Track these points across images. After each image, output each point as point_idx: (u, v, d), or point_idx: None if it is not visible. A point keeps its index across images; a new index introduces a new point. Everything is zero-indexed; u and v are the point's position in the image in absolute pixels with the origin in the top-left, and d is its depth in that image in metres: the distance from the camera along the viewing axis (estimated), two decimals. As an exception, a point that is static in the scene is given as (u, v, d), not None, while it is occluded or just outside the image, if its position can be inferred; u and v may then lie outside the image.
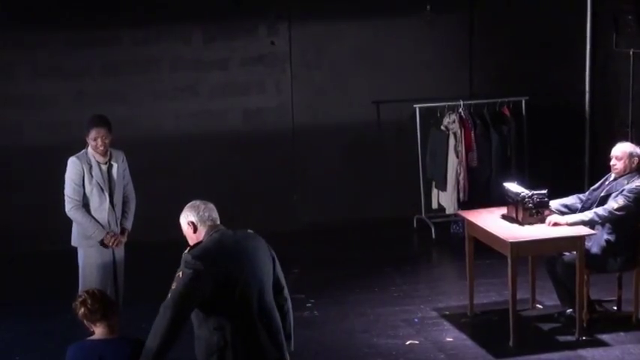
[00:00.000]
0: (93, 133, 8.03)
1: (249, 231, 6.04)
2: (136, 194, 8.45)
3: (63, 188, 8.14)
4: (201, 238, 5.88)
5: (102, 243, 8.16)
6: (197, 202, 5.99)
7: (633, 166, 8.73)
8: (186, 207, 6.00)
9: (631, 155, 8.74)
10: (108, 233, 8.14)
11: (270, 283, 5.99)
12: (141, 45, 11.56)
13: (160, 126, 11.67)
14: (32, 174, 11.18)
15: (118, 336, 5.90)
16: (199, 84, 11.77)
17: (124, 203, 8.33)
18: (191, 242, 5.93)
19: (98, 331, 5.86)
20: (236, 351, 5.79)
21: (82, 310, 5.80)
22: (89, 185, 8.08)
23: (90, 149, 8.10)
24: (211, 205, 5.99)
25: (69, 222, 8.26)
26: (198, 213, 5.92)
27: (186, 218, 5.95)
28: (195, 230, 5.92)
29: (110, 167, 8.17)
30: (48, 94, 11.36)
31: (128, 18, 11.44)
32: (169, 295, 5.66)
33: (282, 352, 5.99)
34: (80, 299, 5.82)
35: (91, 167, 8.07)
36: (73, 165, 8.09)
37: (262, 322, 5.87)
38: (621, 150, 8.77)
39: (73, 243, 8.27)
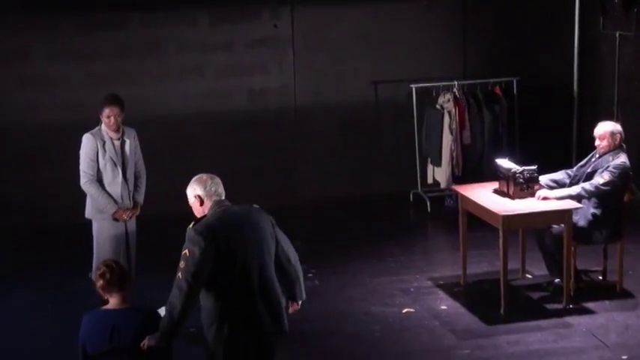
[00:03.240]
0: (107, 111, 8.10)
1: (254, 206, 6.06)
2: (146, 170, 8.49)
3: (77, 164, 8.19)
4: (206, 212, 5.91)
5: (113, 217, 8.22)
6: (204, 177, 6.00)
7: (616, 142, 8.74)
8: (193, 180, 6.01)
9: (612, 133, 8.74)
10: (120, 209, 8.20)
11: (272, 258, 6.00)
12: (149, 28, 11.56)
13: (168, 105, 11.68)
14: (48, 151, 11.19)
15: (131, 306, 5.95)
16: (205, 65, 11.77)
17: (136, 178, 8.36)
18: (197, 214, 5.96)
19: (112, 301, 5.91)
20: (234, 321, 5.84)
21: (101, 282, 5.85)
22: (103, 160, 8.13)
23: (103, 126, 8.16)
24: (217, 180, 6.00)
25: (83, 196, 8.31)
26: (205, 187, 5.94)
27: (194, 192, 5.97)
28: (201, 203, 5.95)
29: (123, 143, 8.22)
30: (61, 75, 11.36)
31: (137, 2, 11.42)
32: (180, 275, 5.71)
33: (279, 324, 6.02)
34: (99, 272, 5.88)
35: (104, 143, 8.13)
36: (87, 141, 8.14)
37: (261, 294, 5.90)
38: (603, 129, 8.78)
39: (87, 215, 8.31)
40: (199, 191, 5.94)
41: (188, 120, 11.71)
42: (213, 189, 5.94)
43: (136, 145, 8.36)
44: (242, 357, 5.93)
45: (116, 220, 8.21)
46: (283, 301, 6.10)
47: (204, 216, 5.90)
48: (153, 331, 5.77)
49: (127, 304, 5.91)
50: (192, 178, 6.08)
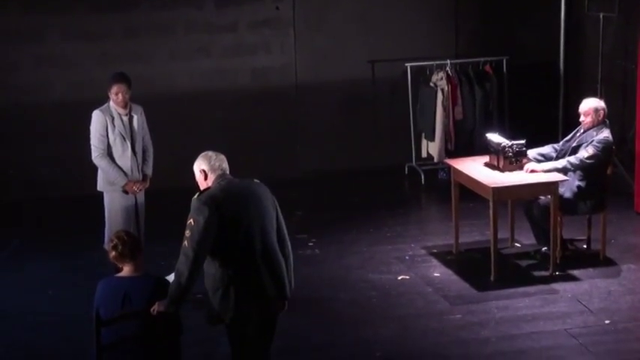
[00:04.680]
0: (115, 89, 8.05)
1: (255, 180, 6.06)
2: (154, 146, 8.45)
3: (89, 139, 8.14)
4: (210, 185, 5.90)
5: (123, 189, 8.18)
6: (209, 153, 6.03)
7: (600, 118, 8.71)
8: (199, 156, 6.04)
9: (596, 110, 8.70)
10: (130, 181, 8.16)
11: (273, 227, 5.98)
12: (158, 10, 11.50)
13: (176, 84, 11.64)
14: (62, 126, 11.15)
15: (143, 273, 5.93)
16: (211, 45, 11.71)
17: (144, 152, 8.32)
18: (201, 187, 5.96)
19: (125, 269, 5.90)
20: (238, 287, 5.82)
21: (114, 253, 5.85)
22: (112, 135, 8.08)
23: (112, 103, 8.11)
24: (222, 156, 6.02)
25: (95, 169, 8.27)
26: (209, 162, 5.96)
27: (199, 166, 5.99)
28: (205, 177, 5.96)
29: (131, 119, 8.17)
30: (75, 55, 11.33)
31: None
32: (186, 243, 5.70)
33: (282, 290, 6.00)
34: (112, 244, 5.86)
35: (113, 119, 8.08)
36: (97, 117, 8.10)
37: (264, 261, 5.88)
38: (587, 106, 8.73)
39: (99, 188, 8.28)
40: (204, 166, 5.96)
41: (195, 97, 11.67)
42: (217, 164, 5.95)
43: (143, 120, 8.31)
44: (246, 321, 5.91)
45: (126, 192, 8.18)
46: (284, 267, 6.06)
47: (209, 188, 5.88)
48: (162, 297, 5.75)
49: (138, 272, 5.90)
50: (198, 152, 6.09)
